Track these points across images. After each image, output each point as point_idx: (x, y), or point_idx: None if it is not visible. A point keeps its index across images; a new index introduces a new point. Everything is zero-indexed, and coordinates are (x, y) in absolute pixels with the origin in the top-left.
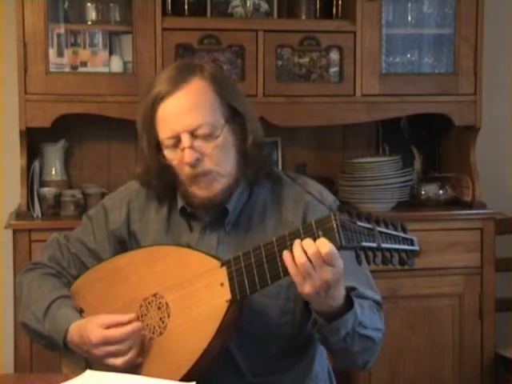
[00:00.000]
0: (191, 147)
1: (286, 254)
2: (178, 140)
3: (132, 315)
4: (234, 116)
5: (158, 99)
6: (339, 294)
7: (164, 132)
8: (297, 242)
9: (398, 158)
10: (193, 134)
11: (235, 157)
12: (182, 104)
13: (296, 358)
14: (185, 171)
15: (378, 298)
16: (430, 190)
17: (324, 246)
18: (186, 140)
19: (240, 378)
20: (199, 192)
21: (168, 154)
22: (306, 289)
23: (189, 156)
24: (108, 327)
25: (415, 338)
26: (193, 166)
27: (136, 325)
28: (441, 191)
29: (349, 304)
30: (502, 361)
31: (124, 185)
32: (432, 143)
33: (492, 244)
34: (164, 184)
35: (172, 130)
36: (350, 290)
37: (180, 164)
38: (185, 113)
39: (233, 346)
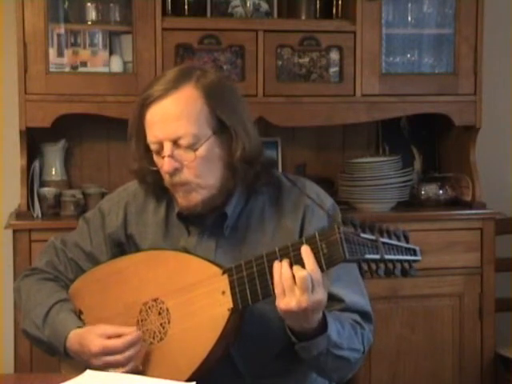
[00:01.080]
0: (171, 156)
1: (276, 263)
2: (161, 147)
3: (133, 328)
4: (224, 129)
5: (147, 103)
6: (314, 319)
7: (149, 137)
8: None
9: (397, 158)
10: (175, 143)
11: (221, 169)
12: (169, 111)
13: (295, 361)
14: (165, 178)
15: (367, 307)
16: (429, 190)
17: (300, 270)
18: (167, 148)
19: (239, 380)
20: (179, 200)
21: (154, 158)
22: (282, 304)
23: (167, 165)
24: (109, 337)
25: (415, 338)
26: (171, 175)
27: (137, 334)
28: (441, 191)
29: (324, 326)
30: (502, 361)
31: (122, 186)
32: (432, 143)
33: (492, 244)
34: (159, 180)
35: (156, 137)
36: (337, 302)
37: (161, 171)
38: (169, 121)
39: (233, 349)
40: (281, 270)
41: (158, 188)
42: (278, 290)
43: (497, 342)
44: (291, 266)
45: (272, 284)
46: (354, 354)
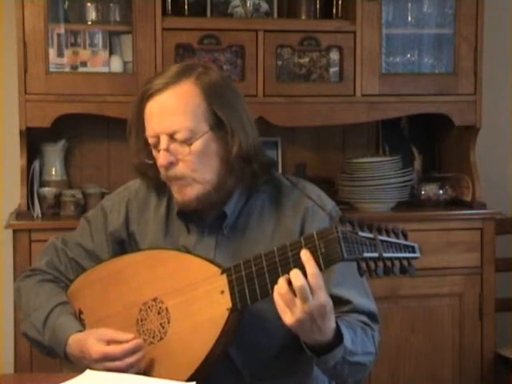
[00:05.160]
0: (167, 150)
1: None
2: (158, 140)
3: (132, 335)
4: (221, 125)
5: (147, 96)
6: (327, 329)
7: (147, 130)
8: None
9: (397, 158)
10: (171, 137)
11: (217, 165)
12: (166, 104)
13: (295, 361)
14: (161, 172)
15: (373, 308)
16: (430, 190)
17: (296, 279)
18: (163, 142)
19: (239, 381)
20: (175, 195)
21: (152, 151)
22: (287, 319)
23: (163, 158)
24: (108, 342)
25: (415, 337)
26: (166, 168)
27: (136, 342)
28: (441, 191)
29: (338, 336)
30: (502, 361)
31: (123, 185)
32: (432, 143)
33: (492, 244)
34: (158, 175)
35: (153, 130)
36: (345, 304)
37: (157, 164)
38: (166, 114)
39: (232, 348)
40: (277, 287)
41: (158, 183)
42: (280, 308)
43: (497, 342)
44: (288, 278)
45: (270, 283)
46: (368, 357)
